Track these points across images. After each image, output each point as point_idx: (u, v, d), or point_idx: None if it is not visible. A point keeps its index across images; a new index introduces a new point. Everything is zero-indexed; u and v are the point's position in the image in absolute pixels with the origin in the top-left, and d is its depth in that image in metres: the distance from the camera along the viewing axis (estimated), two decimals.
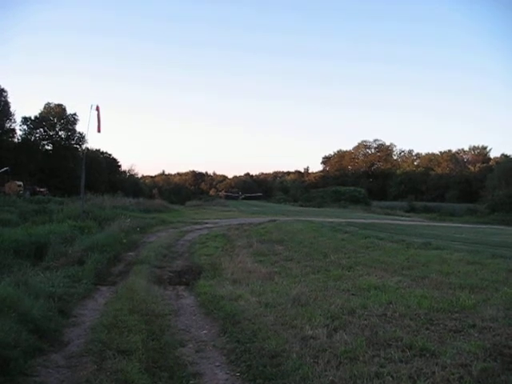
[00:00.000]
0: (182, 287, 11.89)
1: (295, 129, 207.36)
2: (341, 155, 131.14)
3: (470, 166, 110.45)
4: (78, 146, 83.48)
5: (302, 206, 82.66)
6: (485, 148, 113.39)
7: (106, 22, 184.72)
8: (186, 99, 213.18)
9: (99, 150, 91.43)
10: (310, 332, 7.30)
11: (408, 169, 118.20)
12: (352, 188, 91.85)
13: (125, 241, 18.59)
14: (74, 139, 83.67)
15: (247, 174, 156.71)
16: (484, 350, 6.42)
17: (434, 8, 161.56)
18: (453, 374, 5.66)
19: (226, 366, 6.41)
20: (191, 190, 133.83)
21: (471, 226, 43.42)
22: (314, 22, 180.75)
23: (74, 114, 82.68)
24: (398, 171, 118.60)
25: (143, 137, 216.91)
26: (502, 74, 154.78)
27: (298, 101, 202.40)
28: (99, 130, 27.88)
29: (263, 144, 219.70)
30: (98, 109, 27.51)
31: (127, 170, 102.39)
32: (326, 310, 8.58)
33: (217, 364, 6.51)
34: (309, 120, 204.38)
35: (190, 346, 7.28)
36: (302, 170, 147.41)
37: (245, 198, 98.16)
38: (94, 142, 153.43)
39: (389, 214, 62.46)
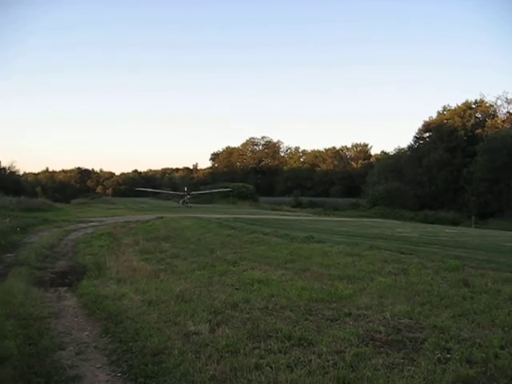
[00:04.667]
0: (65, 288, 11.51)
1: (183, 125, 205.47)
2: (229, 152, 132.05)
3: (352, 163, 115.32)
4: None
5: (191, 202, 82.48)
6: (366, 145, 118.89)
7: None
8: (69, 95, 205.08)
9: None
10: (193, 328, 7.35)
11: (294, 165, 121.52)
12: (240, 184, 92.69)
13: (3, 242, 17.72)
14: None
15: (135, 171, 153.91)
16: (357, 337, 6.78)
17: None
18: (328, 361, 5.92)
19: (107, 367, 6.29)
20: (77, 187, 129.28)
21: (353, 219, 45.37)
22: (191, 11, 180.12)
23: None
24: (284, 167, 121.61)
25: (25, 132, 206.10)
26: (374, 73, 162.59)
27: (185, 96, 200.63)
28: None
29: (151, 140, 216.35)
30: None
31: (7, 166, 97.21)
32: (209, 305, 8.66)
33: (98, 366, 6.38)
34: (197, 116, 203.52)
35: (71, 348, 7.07)
36: (191, 167, 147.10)
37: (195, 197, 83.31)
38: None
39: (276, 210, 63.96)
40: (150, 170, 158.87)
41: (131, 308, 8.79)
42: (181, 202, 71.10)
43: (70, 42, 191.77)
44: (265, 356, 6.18)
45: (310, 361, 5.97)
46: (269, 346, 6.52)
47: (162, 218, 33.97)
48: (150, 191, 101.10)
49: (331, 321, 7.71)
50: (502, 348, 6.28)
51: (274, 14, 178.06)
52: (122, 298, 9.65)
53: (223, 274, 12.14)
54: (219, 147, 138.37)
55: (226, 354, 6.26)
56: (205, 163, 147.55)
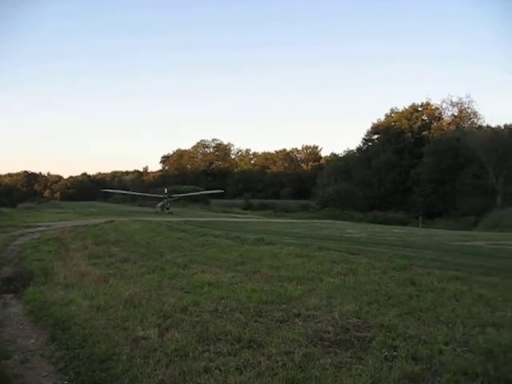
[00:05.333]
0: (10, 295, 11.17)
1: (132, 128, 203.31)
2: (180, 154, 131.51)
3: (302, 165, 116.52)
4: None
5: (140, 205, 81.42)
6: (316, 147, 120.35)
7: None
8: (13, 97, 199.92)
9: None
10: (142, 333, 7.26)
11: (245, 167, 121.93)
12: (191, 187, 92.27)
13: None
14: None
15: (84, 174, 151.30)
16: (306, 337, 6.84)
17: None
18: (277, 362, 5.94)
19: (53, 375, 6.13)
20: (24, 191, 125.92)
21: (304, 221, 45.74)
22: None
23: None
24: (235, 170, 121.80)
25: None
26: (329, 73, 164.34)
27: (135, 99, 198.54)
28: None
29: (100, 143, 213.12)
30: None
31: None
32: (158, 309, 8.57)
33: (44, 374, 6.21)
34: (146, 118, 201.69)
35: (16, 357, 6.85)
36: (141, 170, 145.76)
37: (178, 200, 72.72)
38: None
39: (227, 212, 64.11)
40: (100, 173, 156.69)
41: (79, 314, 8.61)
42: (159, 206, 63.39)
43: None
44: (214, 359, 6.16)
45: (260, 362, 5.98)
46: (218, 349, 6.50)
47: (112, 221, 33.55)
48: (119, 193, 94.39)
49: (281, 322, 7.75)
50: (446, 344, 6.45)
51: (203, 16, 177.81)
52: (70, 303, 9.43)
53: (173, 277, 12.04)
54: (170, 150, 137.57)
55: (175, 358, 6.21)
56: (155, 166, 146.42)
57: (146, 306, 8.95)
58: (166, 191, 67.71)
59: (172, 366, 5.94)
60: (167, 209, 62.51)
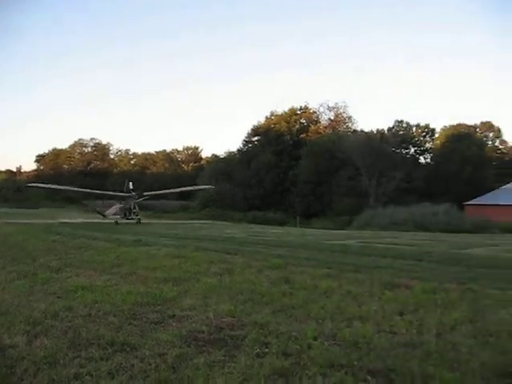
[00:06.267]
0: None
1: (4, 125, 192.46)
2: (56, 154, 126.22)
3: (183, 165, 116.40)
4: None
5: (14, 207, 77.09)
6: (197, 148, 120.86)
7: None
8: None
9: None
10: (8, 341, 6.91)
11: (125, 168, 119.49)
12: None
13: None
14: None
15: None
16: (180, 338, 6.84)
17: None
18: (150, 365, 5.90)
19: None
20: None
21: (184, 221, 45.64)
22: None
23: None
24: (115, 170, 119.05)
25: None
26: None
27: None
28: None
29: None
30: None
31: None
32: (27, 316, 8.19)
33: None
34: (18, 115, 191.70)
35: None
36: (15, 169, 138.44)
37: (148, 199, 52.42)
38: None
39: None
40: None
41: None
42: (111, 211, 43.80)
43: None
44: (85, 365, 6.00)
45: (133, 365, 5.91)
46: (90, 354, 6.33)
47: None
48: (54, 188, 63.32)
49: (155, 324, 7.70)
50: (315, 339, 6.71)
51: None
52: None
53: (46, 282, 11.56)
54: (46, 149, 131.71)
55: (44, 366, 5.97)
56: (30, 166, 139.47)
57: (15, 313, 8.53)
58: (130, 186, 45.23)
59: (40, 375, 5.72)
60: (136, 215, 42.99)
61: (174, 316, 8.09)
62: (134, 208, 42.66)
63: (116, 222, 39.61)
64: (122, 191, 45.46)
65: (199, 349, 6.48)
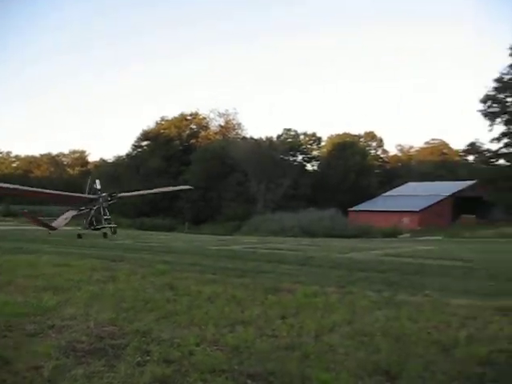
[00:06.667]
0: None
1: None
2: None
3: (69, 170, 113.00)
4: None
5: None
6: (84, 152, 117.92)
7: None
8: None
9: None
10: None
11: (6, 171, 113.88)
12: None
13: None
14: None
15: None
16: (58, 349, 6.60)
17: None
18: (24, 378, 5.66)
19: None
20: None
21: (71, 228, 44.09)
22: None
23: None
24: None
25: None
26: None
27: None
28: None
29: None
30: None
31: None
32: None
33: None
34: None
35: None
36: None
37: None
38: None
39: None
40: None
41: None
42: (60, 220, 35.32)
43: None
44: None
45: (5, 381, 5.64)
46: None
47: None
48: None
49: (32, 335, 7.37)
50: (197, 345, 6.73)
51: None
52: None
53: None
54: None
55: None
56: None
57: None
58: (98, 186, 36.39)
59: None
60: (108, 223, 33.69)
61: (53, 326, 7.78)
62: (105, 214, 33.43)
63: (78, 235, 31.97)
64: (82, 192, 37.55)
65: (78, 360, 6.29)
